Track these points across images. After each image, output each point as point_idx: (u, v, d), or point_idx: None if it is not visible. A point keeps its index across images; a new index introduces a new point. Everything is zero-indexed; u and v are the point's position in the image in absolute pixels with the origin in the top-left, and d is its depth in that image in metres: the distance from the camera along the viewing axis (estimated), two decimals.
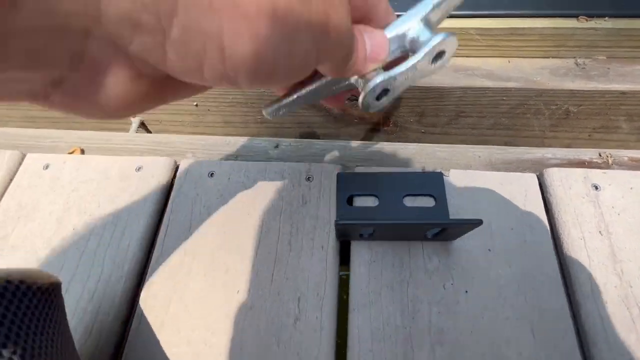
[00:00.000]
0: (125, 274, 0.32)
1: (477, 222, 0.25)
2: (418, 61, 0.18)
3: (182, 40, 0.11)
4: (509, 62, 0.45)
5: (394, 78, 0.18)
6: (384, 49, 0.18)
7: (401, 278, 0.30)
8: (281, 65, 0.13)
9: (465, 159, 0.40)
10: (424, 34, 0.18)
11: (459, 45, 0.45)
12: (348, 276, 0.31)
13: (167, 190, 0.37)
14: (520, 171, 0.39)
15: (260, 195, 0.35)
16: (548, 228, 0.32)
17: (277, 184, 0.35)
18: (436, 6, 0.18)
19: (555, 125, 0.50)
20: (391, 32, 0.18)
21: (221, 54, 0.11)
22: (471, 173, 0.35)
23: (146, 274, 0.32)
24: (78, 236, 0.34)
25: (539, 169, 0.39)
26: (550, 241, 0.31)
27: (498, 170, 0.39)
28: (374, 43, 0.17)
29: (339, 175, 0.35)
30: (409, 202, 0.33)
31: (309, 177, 0.36)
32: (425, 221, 0.27)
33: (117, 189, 0.36)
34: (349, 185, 0.34)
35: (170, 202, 0.35)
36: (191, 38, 0.11)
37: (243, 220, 0.34)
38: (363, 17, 0.18)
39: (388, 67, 0.19)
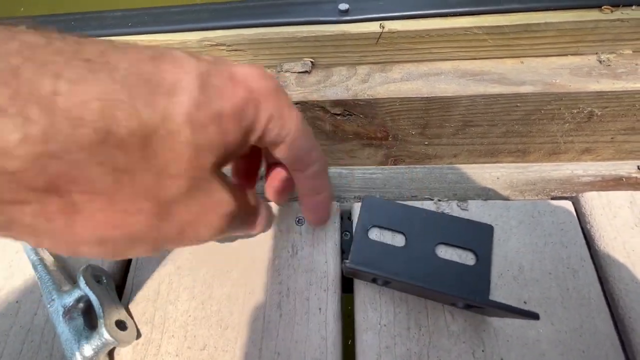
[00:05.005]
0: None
1: (531, 315, 0.19)
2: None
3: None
4: (521, 62, 0.39)
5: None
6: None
7: (420, 347, 0.24)
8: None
9: (481, 182, 0.34)
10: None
11: (464, 47, 0.39)
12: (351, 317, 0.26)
13: None
14: (547, 193, 0.33)
15: (241, 246, 0.29)
16: (594, 269, 0.26)
17: None
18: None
19: (575, 129, 0.44)
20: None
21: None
22: (492, 204, 0.29)
23: None
24: (22, 311, 0.28)
25: (570, 189, 0.33)
26: (599, 287, 0.25)
27: (522, 192, 0.33)
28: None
29: (364, 201, 0.29)
30: (443, 251, 0.27)
31: (299, 219, 0.30)
32: (462, 295, 0.21)
33: None
34: (374, 214, 0.28)
35: (133, 260, 0.29)
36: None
37: (221, 280, 0.28)
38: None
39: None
